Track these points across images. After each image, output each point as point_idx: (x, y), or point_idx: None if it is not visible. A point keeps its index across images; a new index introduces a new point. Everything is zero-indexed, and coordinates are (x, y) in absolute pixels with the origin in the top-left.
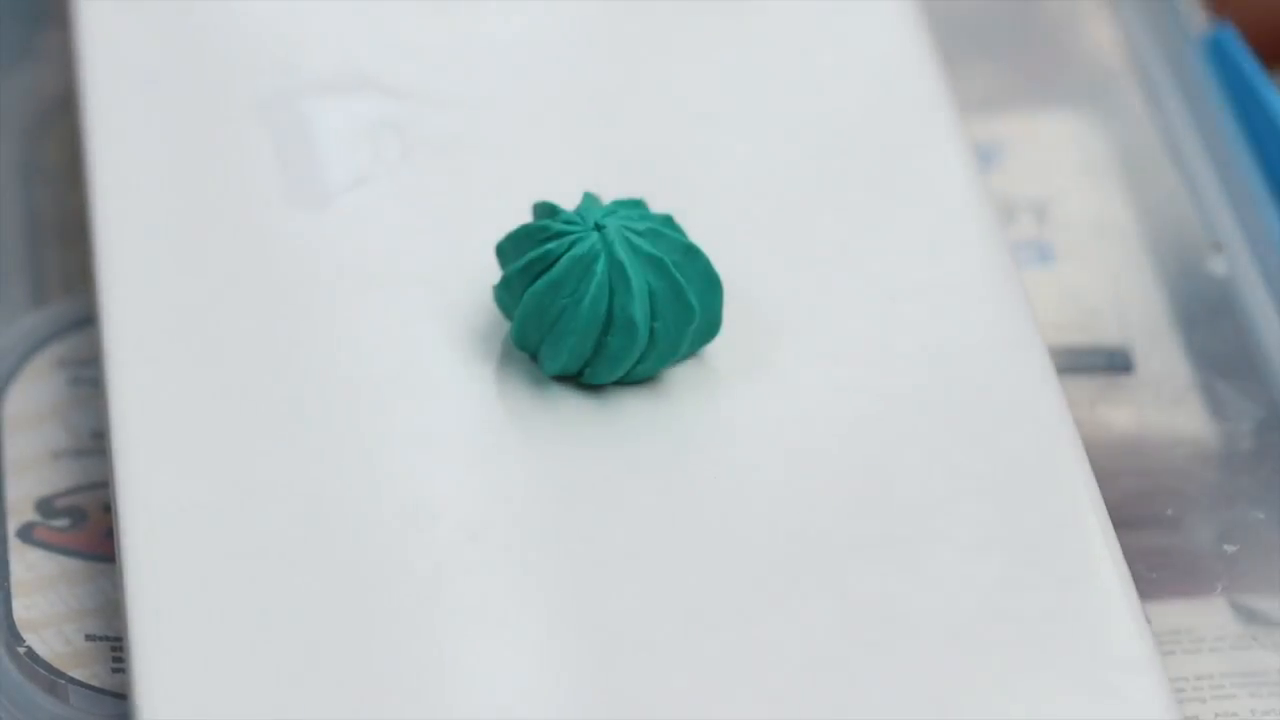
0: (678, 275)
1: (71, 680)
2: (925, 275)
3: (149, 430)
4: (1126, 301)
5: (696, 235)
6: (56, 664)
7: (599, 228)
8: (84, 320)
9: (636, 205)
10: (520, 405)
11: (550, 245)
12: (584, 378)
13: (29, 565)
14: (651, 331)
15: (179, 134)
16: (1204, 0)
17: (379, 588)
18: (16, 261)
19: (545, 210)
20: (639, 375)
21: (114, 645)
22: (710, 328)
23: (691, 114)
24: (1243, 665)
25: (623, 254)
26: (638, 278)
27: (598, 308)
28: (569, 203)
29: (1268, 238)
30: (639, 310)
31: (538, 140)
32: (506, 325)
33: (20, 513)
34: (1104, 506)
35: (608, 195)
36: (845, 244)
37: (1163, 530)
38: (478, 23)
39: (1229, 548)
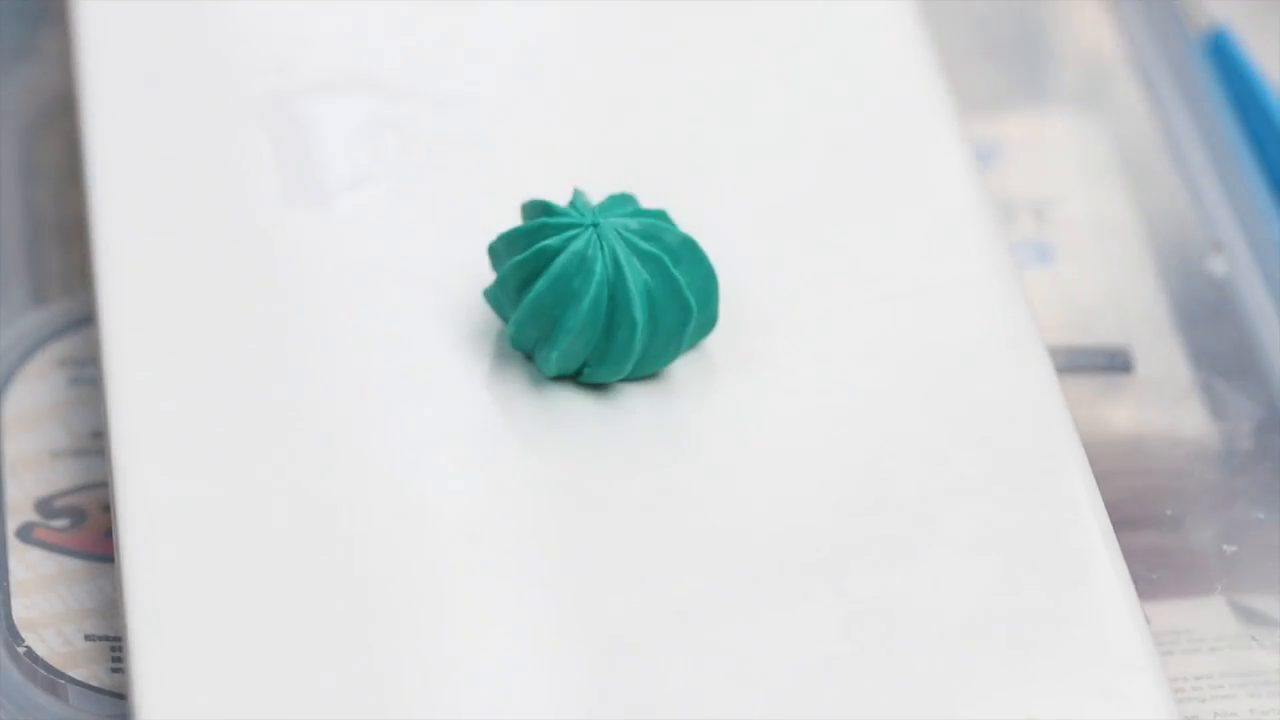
0: (675, 272)
1: (71, 680)
2: (924, 273)
3: (148, 430)
4: (1126, 301)
5: (691, 230)
6: (56, 664)
7: (594, 225)
8: (83, 320)
9: (628, 200)
10: (519, 403)
11: (547, 242)
12: (583, 377)
13: (28, 565)
14: (650, 329)
15: (178, 134)
16: None
17: (377, 588)
18: (16, 261)
19: (539, 208)
20: (638, 373)
21: (113, 645)
22: (707, 322)
23: (687, 111)
24: (1242, 665)
25: (620, 251)
26: (635, 276)
27: (598, 307)
28: (562, 202)
29: (1267, 237)
30: (639, 309)
31: (536, 140)
32: (501, 325)
33: (20, 513)
34: (1103, 506)
35: (604, 193)
36: (842, 241)
37: (1162, 530)
38: (477, 23)
39: (1228, 548)
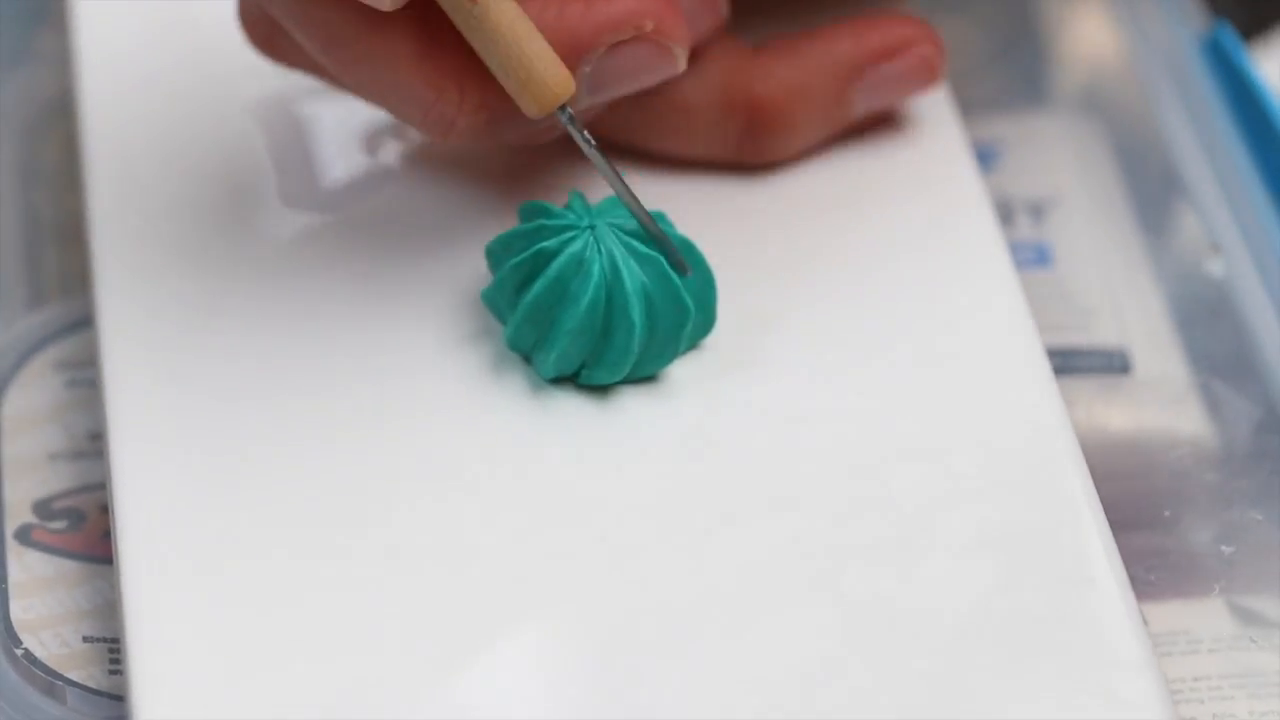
0: (672, 274)
1: (69, 682)
2: (922, 274)
3: (146, 432)
4: (1124, 302)
5: (689, 231)
6: (54, 666)
7: (591, 227)
8: (81, 322)
9: None
10: (516, 404)
11: (545, 244)
12: (581, 379)
13: (26, 567)
14: (648, 331)
15: (176, 136)
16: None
17: (376, 589)
18: (14, 263)
19: (537, 210)
20: (636, 375)
21: (111, 647)
22: (705, 324)
23: None
24: (1240, 666)
25: (618, 253)
26: (633, 277)
27: (595, 309)
28: (560, 204)
29: (1265, 239)
30: (636, 311)
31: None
32: (499, 327)
33: (18, 515)
34: (1101, 507)
35: (603, 196)
36: (840, 242)
37: (1160, 531)
38: None
39: (1227, 549)
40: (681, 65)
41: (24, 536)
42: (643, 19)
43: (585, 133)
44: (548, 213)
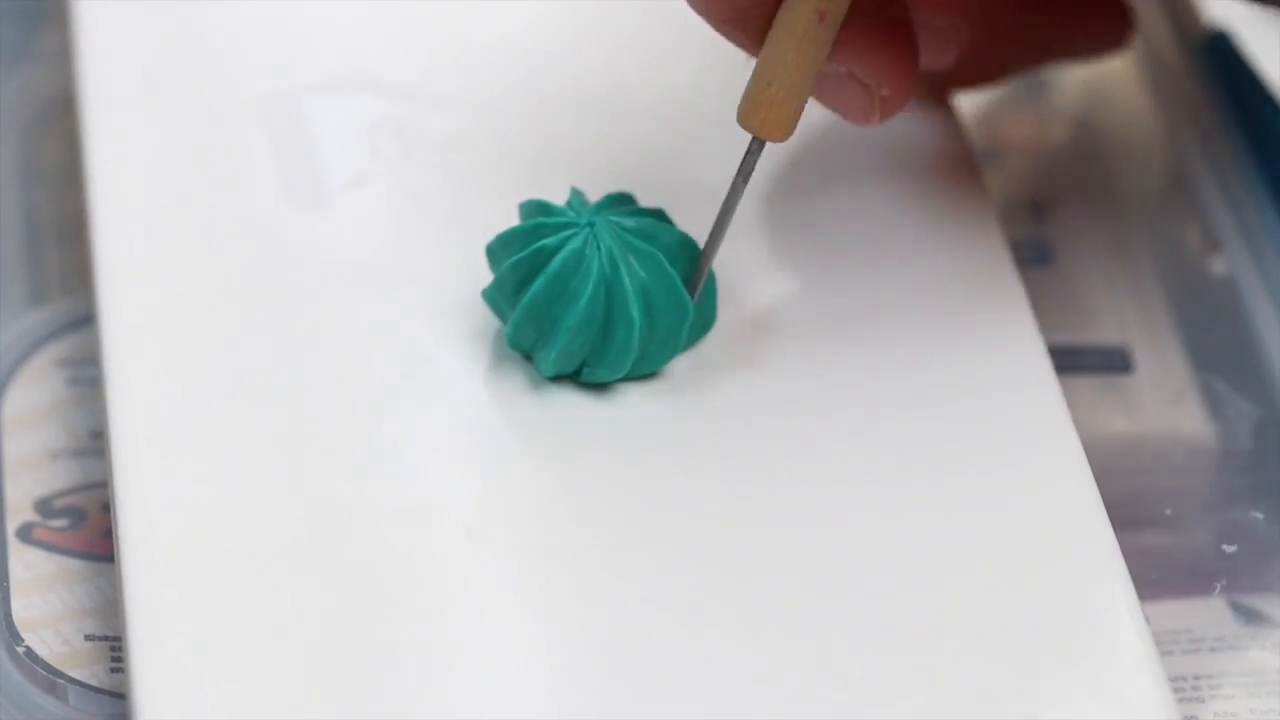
0: (672, 270)
1: (70, 680)
2: (922, 273)
3: (148, 430)
4: (1125, 301)
5: (690, 229)
6: (55, 664)
7: (590, 224)
8: (83, 320)
9: (626, 200)
10: (518, 403)
11: (544, 242)
12: (581, 377)
13: (28, 565)
14: (647, 328)
15: (177, 134)
16: None
17: (378, 588)
18: (15, 261)
19: (536, 208)
20: (637, 373)
21: (113, 645)
22: (706, 322)
23: (686, 110)
24: (1242, 665)
25: (617, 250)
26: (632, 275)
27: (595, 307)
28: (560, 201)
29: (1267, 237)
30: (635, 308)
31: (535, 140)
32: (499, 326)
33: (19, 513)
34: (1102, 506)
35: (603, 193)
36: (842, 240)
37: (1161, 530)
38: (476, 22)
39: (1228, 548)
40: (869, 123)
41: (25, 534)
42: (884, 87)
43: (750, 174)
44: (547, 210)
